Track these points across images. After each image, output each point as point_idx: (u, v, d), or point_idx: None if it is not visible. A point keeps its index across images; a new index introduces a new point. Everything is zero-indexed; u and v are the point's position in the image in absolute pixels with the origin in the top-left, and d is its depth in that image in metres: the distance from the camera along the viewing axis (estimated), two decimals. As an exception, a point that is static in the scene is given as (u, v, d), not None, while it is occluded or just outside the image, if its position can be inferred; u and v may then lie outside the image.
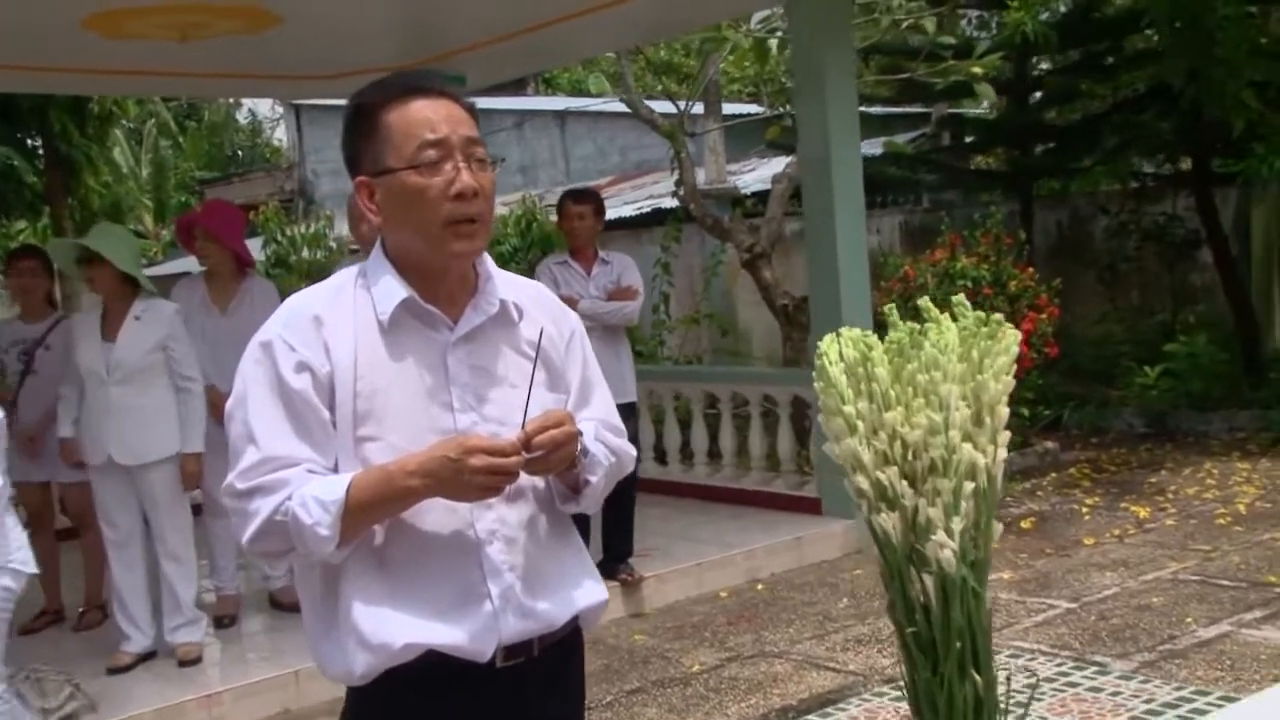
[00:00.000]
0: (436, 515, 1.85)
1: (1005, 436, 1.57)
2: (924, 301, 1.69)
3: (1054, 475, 8.11)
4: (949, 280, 8.01)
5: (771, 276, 9.16)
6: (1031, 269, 8.16)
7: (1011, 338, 1.56)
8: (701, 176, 12.07)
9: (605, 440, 2.00)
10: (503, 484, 1.80)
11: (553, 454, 1.82)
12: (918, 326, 1.60)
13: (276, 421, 1.83)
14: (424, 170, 1.85)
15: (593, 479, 1.96)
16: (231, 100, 27.31)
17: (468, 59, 8.26)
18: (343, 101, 2.03)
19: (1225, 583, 5.44)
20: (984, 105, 9.56)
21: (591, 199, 5.93)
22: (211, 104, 27.12)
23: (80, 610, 5.91)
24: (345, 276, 1.97)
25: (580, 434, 1.88)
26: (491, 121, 19.17)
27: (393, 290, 1.89)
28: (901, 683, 1.86)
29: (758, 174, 15.31)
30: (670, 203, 11.61)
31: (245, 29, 6.75)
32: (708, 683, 4.81)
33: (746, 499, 7.27)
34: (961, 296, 1.73)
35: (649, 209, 13.83)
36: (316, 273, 10.97)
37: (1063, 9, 9.12)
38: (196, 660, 5.11)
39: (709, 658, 5.11)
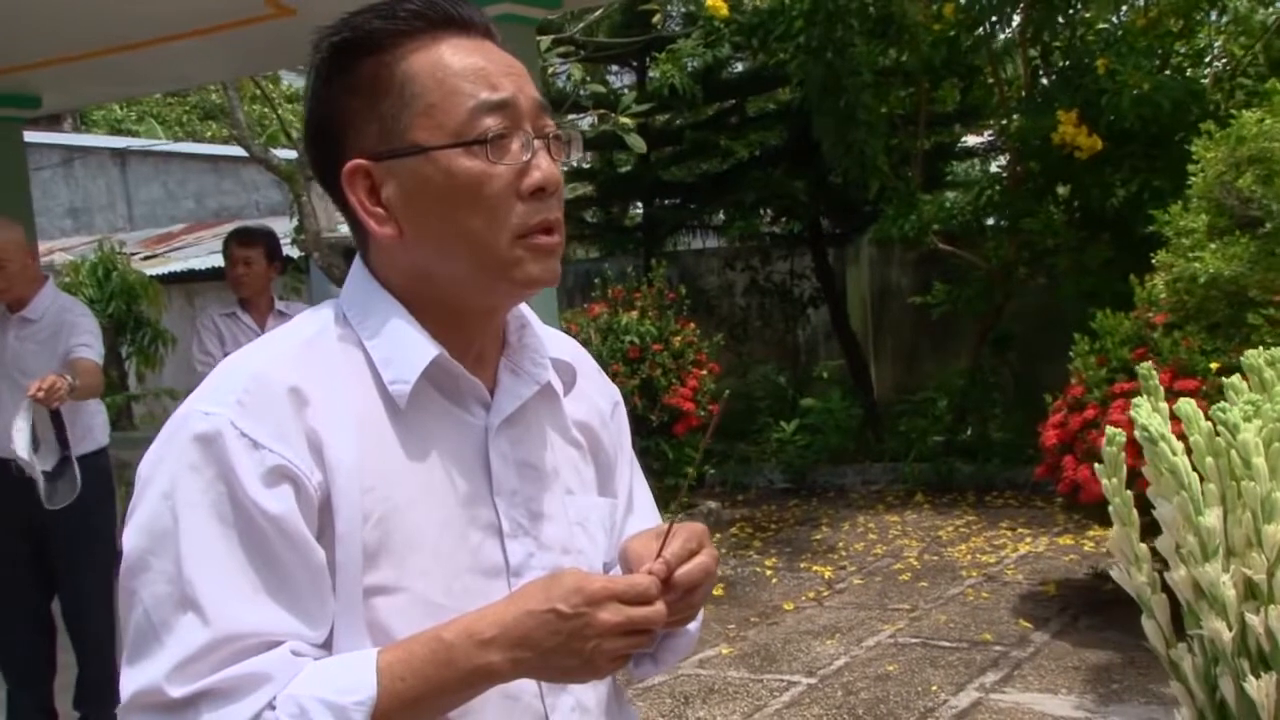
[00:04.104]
0: (492, 707, 1.10)
1: None
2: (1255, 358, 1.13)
3: (719, 536, 7.91)
4: (614, 335, 7.65)
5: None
6: (693, 324, 7.97)
7: None
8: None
9: None
10: (639, 648, 1.08)
11: (695, 594, 1.13)
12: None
13: (236, 572, 1.02)
14: (485, 151, 1.11)
15: (691, 626, 1.27)
16: None
17: (44, 76, 6.93)
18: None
19: (945, 644, 5.32)
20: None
21: (262, 240, 4.96)
22: None
23: None
24: (316, 324, 1.15)
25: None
26: (34, 157, 16.94)
27: (411, 345, 1.13)
28: None
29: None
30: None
31: None
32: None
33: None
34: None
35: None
36: None
37: (706, 64, 9.10)
38: None
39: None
